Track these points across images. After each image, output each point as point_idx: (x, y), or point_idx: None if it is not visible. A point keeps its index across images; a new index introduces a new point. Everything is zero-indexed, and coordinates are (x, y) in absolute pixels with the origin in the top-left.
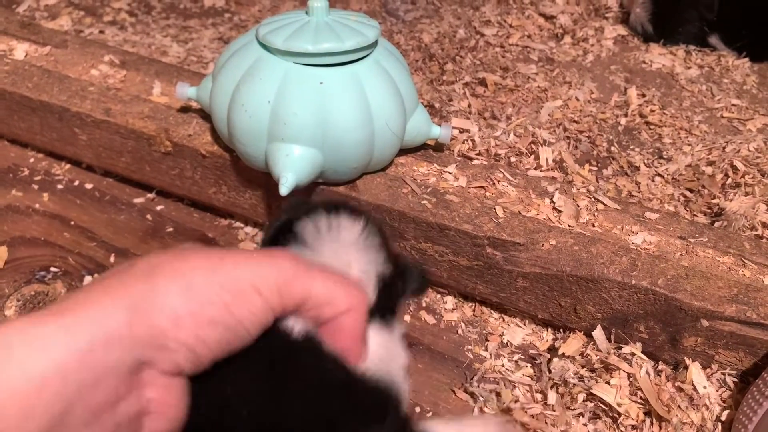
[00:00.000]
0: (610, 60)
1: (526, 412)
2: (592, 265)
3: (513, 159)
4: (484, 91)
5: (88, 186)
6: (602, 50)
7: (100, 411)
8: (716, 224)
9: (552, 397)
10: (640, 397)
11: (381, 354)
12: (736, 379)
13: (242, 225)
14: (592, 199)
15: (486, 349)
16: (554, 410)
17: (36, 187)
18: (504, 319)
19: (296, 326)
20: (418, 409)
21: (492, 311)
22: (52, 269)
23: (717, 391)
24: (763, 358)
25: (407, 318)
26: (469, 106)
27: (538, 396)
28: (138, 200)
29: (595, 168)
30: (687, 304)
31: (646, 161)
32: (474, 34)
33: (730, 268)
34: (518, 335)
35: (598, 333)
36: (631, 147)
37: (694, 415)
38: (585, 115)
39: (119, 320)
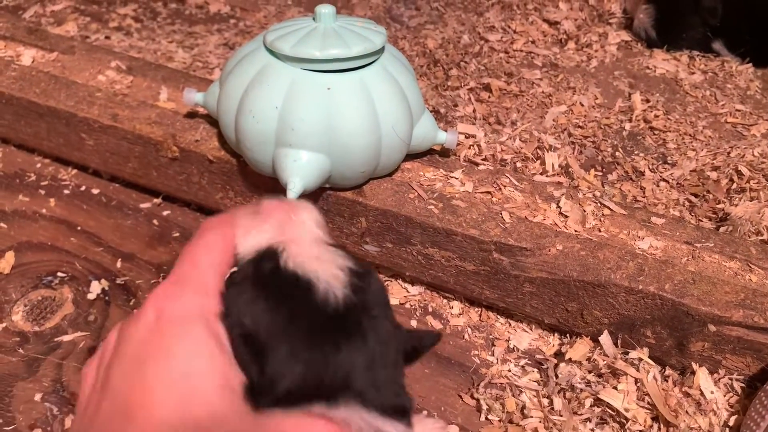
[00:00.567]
0: (614, 65)
1: (533, 418)
2: (599, 270)
3: (519, 164)
4: (489, 97)
5: (95, 191)
6: (606, 56)
7: None
8: (721, 229)
9: (559, 402)
10: (648, 403)
11: None
12: (743, 384)
13: None
14: (598, 204)
15: (492, 354)
16: (561, 415)
17: (43, 192)
18: (510, 324)
19: None
20: (425, 413)
21: (498, 316)
22: (59, 274)
23: (724, 396)
24: None
25: (414, 323)
26: (474, 111)
27: (545, 401)
28: (145, 205)
29: (600, 173)
30: (694, 309)
31: (650, 166)
32: (478, 39)
33: (737, 273)
34: (525, 340)
35: (605, 338)
36: (636, 152)
37: (701, 420)
38: (589, 121)
39: None
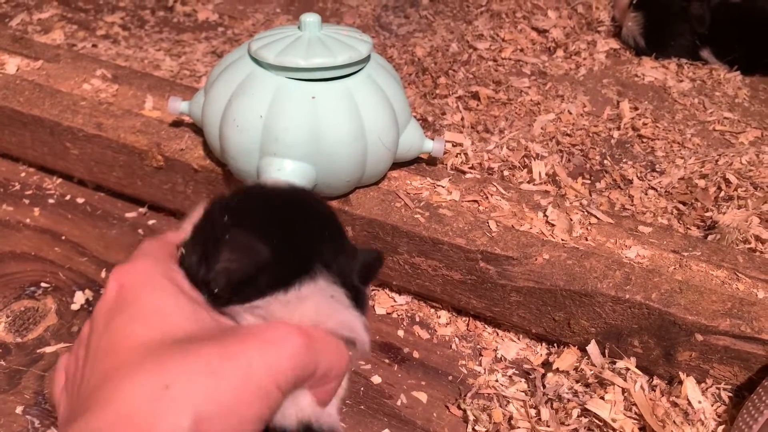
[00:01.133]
0: (602, 73)
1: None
2: (586, 279)
3: (506, 172)
4: (477, 105)
5: (80, 200)
6: (595, 64)
7: None
8: (709, 237)
9: (546, 413)
10: (635, 413)
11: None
12: (731, 394)
13: None
14: (585, 213)
15: (480, 364)
16: (548, 426)
17: (27, 201)
18: (498, 334)
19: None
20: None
21: (486, 326)
22: (43, 284)
23: (712, 405)
24: (758, 372)
25: (401, 333)
26: (462, 119)
27: (532, 412)
28: (130, 215)
29: (588, 181)
30: (681, 319)
31: (639, 174)
32: (467, 48)
33: (724, 282)
34: (512, 350)
35: (593, 347)
36: (624, 160)
37: (689, 430)
38: (578, 129)
39: None
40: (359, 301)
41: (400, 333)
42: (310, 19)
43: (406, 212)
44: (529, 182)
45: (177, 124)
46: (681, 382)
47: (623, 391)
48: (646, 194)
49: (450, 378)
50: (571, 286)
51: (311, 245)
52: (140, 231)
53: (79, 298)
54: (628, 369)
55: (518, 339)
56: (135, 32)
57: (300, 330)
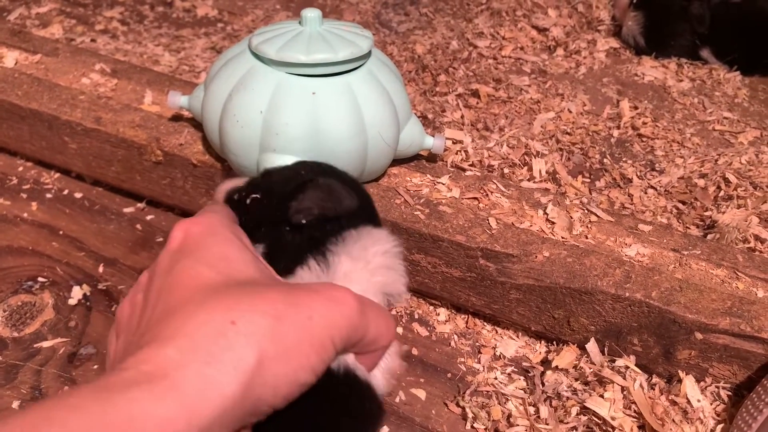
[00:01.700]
0: (602, 72)
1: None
2: (586, 277)
3: (506, 170)
4: (477, 103)
5: (78, 195)
6: (595, 63)
7: None
8: (709, 237)
9: (545, 410)
10: (634, 411)
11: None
12: (730, 393)
13: None
14: (586, 211)
15: (479, 362)
16: (547, 424)
17: (24, 196)
18: (497, 331)
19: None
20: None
21: (485, 323)
22: (40, 279)
23: (711, 404)
24: (758, 371)
25: (399, 330)
26: (462, 117)
27: (531, 409)
28: (128, 210)
29: (588, 180)
30: (681, 317)
31: (638, 173)
32: (467, 45)
33: (724, 281)
34: (511, 347)
35: (592, 345)
36: (624, 159)
37: (688, 428)
38: (577, 127)
39: (234, 398)
40: None
41: (399, 330)
42: (311, 14)
43: (406, 209)
44: (529, 180)
45: (176, 118)
46: (680, 381)
47: (622, 389)
48: (646, 193)
49: (449, 375)
50: (571, 283)
51: (374, 207)
52: (138, 226)
53: (77, 293)
54: (627, 367)
55: (517, 337)
56: (134, 27)
57: (355, 295)
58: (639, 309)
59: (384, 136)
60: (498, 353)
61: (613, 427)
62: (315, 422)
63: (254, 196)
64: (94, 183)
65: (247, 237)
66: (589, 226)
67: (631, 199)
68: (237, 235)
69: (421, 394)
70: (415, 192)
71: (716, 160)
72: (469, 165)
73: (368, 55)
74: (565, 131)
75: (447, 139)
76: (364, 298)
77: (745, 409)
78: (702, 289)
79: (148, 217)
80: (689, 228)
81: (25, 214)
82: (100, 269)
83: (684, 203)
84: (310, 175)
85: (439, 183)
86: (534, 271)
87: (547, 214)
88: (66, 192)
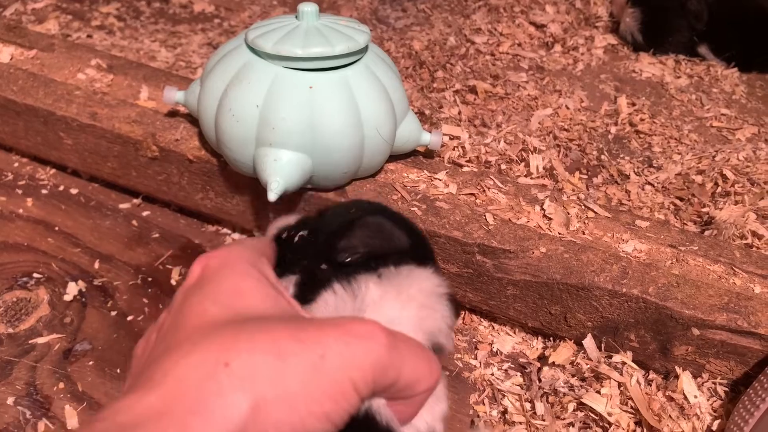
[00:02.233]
0: (600, 69)
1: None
2: (583, 273)
3: (503, 166)
4: (475, 99)
5: (73, 191)
6: (592, 59)
7: None
8: (706, 233)
9: (541, 407)
10: (631, 407)
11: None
12: (727, 389)
13: (230, 231)
14: (583, 207)
15: (476, 358)
16: (544, 420)
17: (20, 191)
18: (494, 327)
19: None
20: None
21: (482, 319)
22: (35, 275)
23: (708, 400)
24: (754, 367)
25: None
26: (460, 113)
27: (528, 405)
28: (124, 206)
29: (585, 176)
30: (678, 313)
31: (636, 169)
32: (464, 41)
33: (721, 277)
34: (508, 344)
35: (589, 341)
36: (621, 155)
37: (685, 424)
38: (575, 124)
39: None
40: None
41: None
42: (308, 8)
43: (403, 205)
44: (526, 176)
45: (172, 114)
46: (677, 377)
47: (619, 385)
48: (643, 189)
49: (446, 372)
50: (568, 279)
51: (427, 246)
52: (134, 222)
53: (72, 289)
54: (624, 363)
55: (514, 333)
56: (130, 23)
57: (384, 329)
58: (636, 305)
59: (381, 132)
60: (495, 349)
61: (610, 423)
62: None
63: (302, 233)
64: (89, 179)
65: (272, 271)
66: (586, 222)
67: (629, 196)
68: (258, 268)
69: None
70: (412, 188)
71: (714, 157)
72: (466, 161)
73: (365, 50)
74: (563, 127)
75: (444, 135)
76: (396, 332)
77: (742, 405)
78: (699, 284)
79: (144, 213)
80: (686, 224)
81: (21, 210)
82: (96, 265)
83: (681, 199)
84: (360, 213)
85: (436, 179)
86: (531, 267)
87: (544, 210)
88: (62, 188)
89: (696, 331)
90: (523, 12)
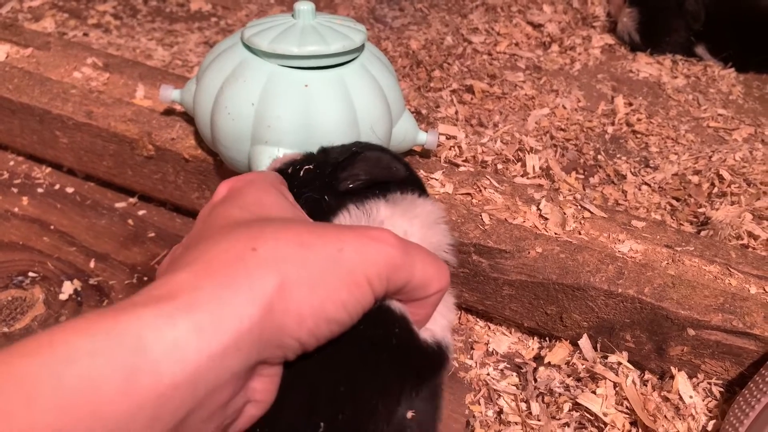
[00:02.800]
0: (597, 69)
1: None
2: (579, 273)
3: (500, 166)
4: (472, 98)
5: (69, 190)
6: (589, 59)
7: (219, 409)
8: (702, 233)
9: (537, 407)
10: (626, 407)
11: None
12: (722, 389)
13: None
14: (579, 207)
15: (471, 358)
16: (539, 420)
17: (15, 190)
18: (490, 327)
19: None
20: None
21: (478, 319)
22: (30, 274)
23: (703, 401)
24: (750, 367)
25: None
26: (456, 113)
27: (523, 406)
28: (119, 205)
29: (582, 176)
30: (673, 313)
31: (632, 170)
32: (462, 41)
33: (717, 277)
34: (504, 343)
35: (584, 342)
36: (618, 155)
37: (680, 425)
38: (572, 123)
39: (252, 322)
40: None
41: None
42: (304, 7)
43: None
44: (522, 176)
45: (168, 113)
46: (672, 377)
47: (615, 385)
48: (640, 190)
49: None
50: (564, 279)
51: (423, 182)
52: (130, 221)
53: (68, 288)
54: (619, 363)
55: (510, 333)
56: (127, 21)
57: (396, 236)
58: (631, 305)
59: (376, 131)
60: (491, 349)
61: (605, 423)
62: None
63: (307, 167)
64: (85, 178)
65: (291, 196)
66: (582, 222)
67: (625, 196)
68: (278, 189)
69: None
70: None
71: (710, 157)
72: (463, 161)
73: (361, 48)
74: (560, 127)
75: (441, 134)
76: (407, 240)
77: (737, 405)
78: (695, 285)
79: (140, 212)
80: (683, 224)
81: (16, 209)
82: (92, 264)
83: (678, 200)
84: (361, 149)
85: (432, 178)
86: (527, 267)
87: (541, 210)
88: (57, 187)
89: (691, 332)
90: (520, 11)
